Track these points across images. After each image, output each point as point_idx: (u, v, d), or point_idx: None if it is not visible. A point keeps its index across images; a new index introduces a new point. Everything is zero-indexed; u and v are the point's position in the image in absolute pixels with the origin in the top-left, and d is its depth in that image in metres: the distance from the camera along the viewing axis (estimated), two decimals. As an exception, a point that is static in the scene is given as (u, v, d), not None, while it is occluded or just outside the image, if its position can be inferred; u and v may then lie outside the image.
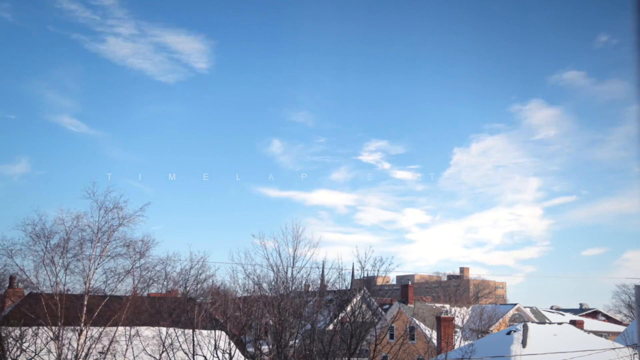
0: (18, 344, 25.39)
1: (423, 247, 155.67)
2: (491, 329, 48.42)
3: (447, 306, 51.95)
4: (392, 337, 40.32)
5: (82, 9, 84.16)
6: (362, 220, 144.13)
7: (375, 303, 36.22)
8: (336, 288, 32.34)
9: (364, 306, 31.43)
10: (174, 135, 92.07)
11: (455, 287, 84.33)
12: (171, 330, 27.87)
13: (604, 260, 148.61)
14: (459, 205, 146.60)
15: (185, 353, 27.36)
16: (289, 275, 29.91)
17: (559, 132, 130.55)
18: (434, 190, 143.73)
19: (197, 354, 27.43)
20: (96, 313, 25.94)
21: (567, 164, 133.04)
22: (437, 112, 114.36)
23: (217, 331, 28.68)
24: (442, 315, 42.58)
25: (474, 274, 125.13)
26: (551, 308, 73.49)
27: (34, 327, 25.71)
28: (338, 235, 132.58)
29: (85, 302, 25.91)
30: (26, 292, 31.74)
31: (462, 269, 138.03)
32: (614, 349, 27.75)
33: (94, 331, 25.99)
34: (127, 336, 26.86)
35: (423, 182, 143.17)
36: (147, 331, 28.07)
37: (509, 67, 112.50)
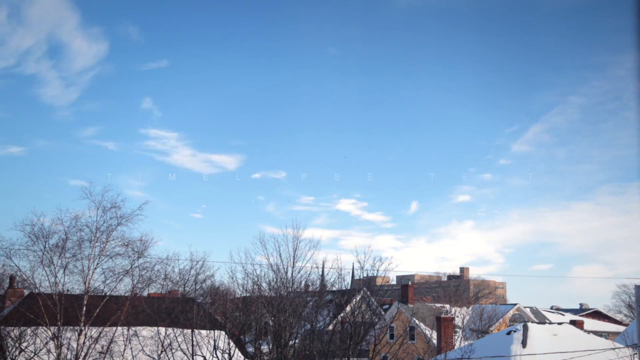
0: (17, 344, 25.33)
1: (399, 262, 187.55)
2: (491, 329, 48.39)
3: (447, 306, 51.90)
4: (392, 337, 40.28)
5: (159, 144, 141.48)
6: (344, 245, 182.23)
7: (375, 303, 36.19)
8: (336, 288, 32.32)
9: (363, 306, 31.40)
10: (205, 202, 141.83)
11: (455, 287, 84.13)
12: (170, 330, 27.80)
13: (554, 274, 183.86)
14: (422, 238, 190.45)
15: (184, 353, 27.29)
16: (289, 275, 29.91)
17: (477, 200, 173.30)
18: (399, 227, 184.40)
19: (196, 354, 27.37)
20: (95, 313, 25.88)
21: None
22: (391, 180, 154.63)
23: (216, 331, 28.61)
24: (442, 315, 42.55)
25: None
26: (551, 308, 73.42)
27: (32, 327, 25.64)
28: (326, 255, 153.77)
29: (85, 302, 25.86)
30: (26, 293, 31.71)
31: (462, 269, 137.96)
32: (614, 349, 27.70)
33: (93, 331, 25.93)
34: (126, 336, 26.79)
35: (390, 222, 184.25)
36: (145, 331, 28.00)
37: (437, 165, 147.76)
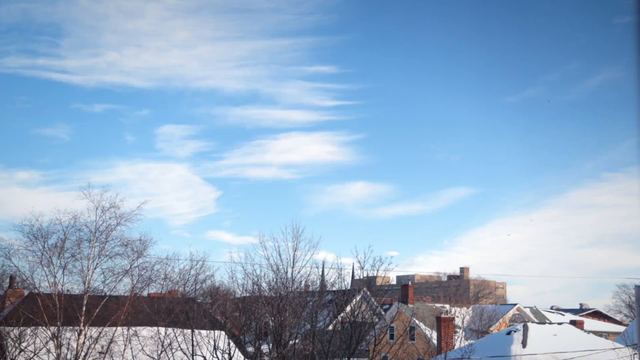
0: (16, 344, 25.31)
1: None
2: (491, 329, 48.38)
3: (447, 306, 51.93)
4: (392, 337, 40.25)
5: (217, 236, 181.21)
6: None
7: (375, 303, 36.14)
8: (336, 288, 32.26)
9: (363, 306, 31.37)
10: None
11: (455, 287, 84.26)
12: (170, 330, 27.77)
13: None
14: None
15: (184, 353, 27.26)
16: (289, 275, 29.82)
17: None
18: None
19: (196, 354, 27.35)
20: (95, 313, 25.84)
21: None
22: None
23: (216, 331, 28.58)
24: (442, 315, 42.56)
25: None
26: (551, 308, 73.43)
27: (32, 327, 25.60)
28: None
29: (85, 302, 25.83)
30: (26, 293, 31.68)
31: (462, 269, 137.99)
32: (614, 349, 27.71)
33: (93, 331, 25.89)
34: (126, 336, 26.76)
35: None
36: (145, 331, 27.96)
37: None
